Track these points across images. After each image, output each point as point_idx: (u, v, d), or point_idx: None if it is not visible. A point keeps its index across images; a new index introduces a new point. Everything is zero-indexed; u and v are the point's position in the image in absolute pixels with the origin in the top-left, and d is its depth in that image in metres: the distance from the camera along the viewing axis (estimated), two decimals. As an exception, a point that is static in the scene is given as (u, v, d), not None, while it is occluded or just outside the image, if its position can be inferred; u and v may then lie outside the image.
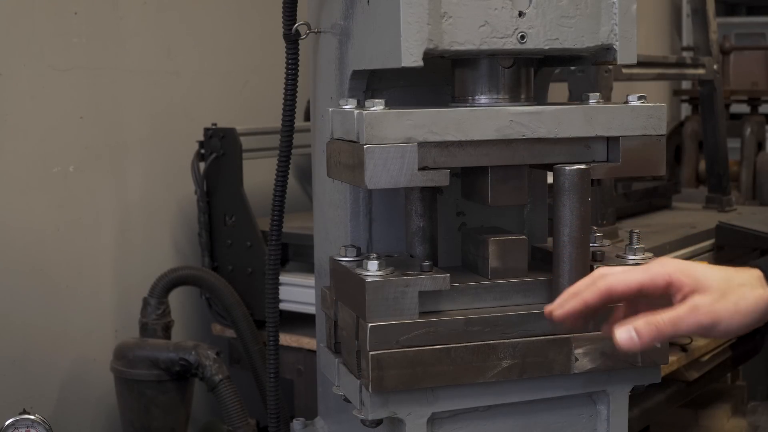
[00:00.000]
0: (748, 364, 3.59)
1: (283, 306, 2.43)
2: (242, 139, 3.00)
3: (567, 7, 1.56)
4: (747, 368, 4.11)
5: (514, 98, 1.62)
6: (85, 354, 2.96)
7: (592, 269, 1.58)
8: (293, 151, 1.91)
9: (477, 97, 1.62)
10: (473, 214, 1.79)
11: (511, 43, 1.53)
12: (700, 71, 3.63)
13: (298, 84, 1.86)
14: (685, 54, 5.81)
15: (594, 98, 1.61)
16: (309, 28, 1.84)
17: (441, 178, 1.51)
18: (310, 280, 2.44)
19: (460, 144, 1.51)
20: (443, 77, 1.73)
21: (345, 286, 1.61)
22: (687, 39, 6.45)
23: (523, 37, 1.54)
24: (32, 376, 2.83)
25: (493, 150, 1.53)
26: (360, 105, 1.58)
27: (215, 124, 3.07)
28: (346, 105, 1.59)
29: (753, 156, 4.74)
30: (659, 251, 2.78)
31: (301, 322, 2.84)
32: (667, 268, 1.39)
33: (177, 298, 3.02)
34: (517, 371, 1.56)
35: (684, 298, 1.37)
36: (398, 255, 1.69)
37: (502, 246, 1.61)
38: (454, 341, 1.52)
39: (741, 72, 5.60)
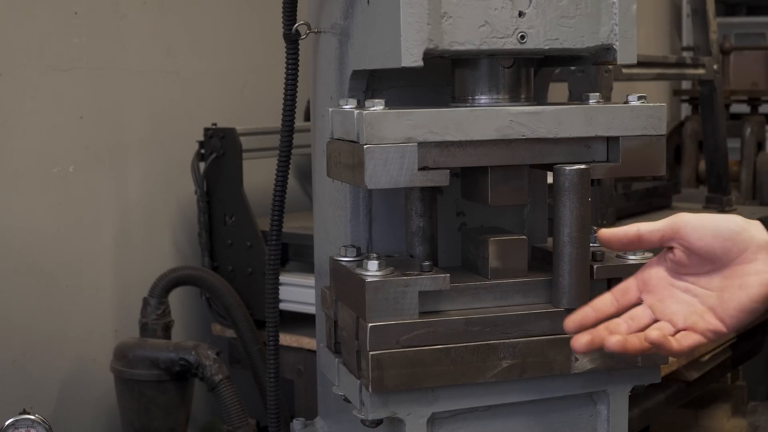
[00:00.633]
0: (748, 364, 3.60)
1: (283, 306, 2.43)
2: (242, 139, 2.99)
3: (567, 7, 1.56)
4: (747, 368, 4.12)
5: (514, 98, 1.62)
6: (85, 354, 2.96)
7: (592, 269, 1.58)
8: (293, 151, 1.91)
9: (477, 97, 1.62)
10: (473, 214, 1.79)
11: (511, 43, 1.53)
12: (700, 71, 3.62)
13: (298, 84, 1.86)
14: (685, 54, 5.81)
15: (594, 98, 1.61)
16: (309, 28, 1.84)
17: (441, 178, 1.51)
18: (310, 280, 2.44)
19: (460, 144, 1.51)
20: (443, 77, 1.73)
21: (345, 286, 1.61)
22: (687, 39, 6.45)
23: (523, 37, 1.54)
24: (32, 376, 2.83)
25: (493, 150, 1.53)
26: (360, 105, 1.58)
27: (215, 124, 3.07)
28: (346, 105, 1.59)
29: (753, 156, 4.73)
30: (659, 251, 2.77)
31: (301, 322, 2.84)
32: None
33: (177, 298, 3.02)
34: (517, 371, 1.56)
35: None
36: (398, 255, 1.69)
37: (502, 246, 1.61)
38: (454, 341, 1.52)
39: (741, 72, 5.60)
